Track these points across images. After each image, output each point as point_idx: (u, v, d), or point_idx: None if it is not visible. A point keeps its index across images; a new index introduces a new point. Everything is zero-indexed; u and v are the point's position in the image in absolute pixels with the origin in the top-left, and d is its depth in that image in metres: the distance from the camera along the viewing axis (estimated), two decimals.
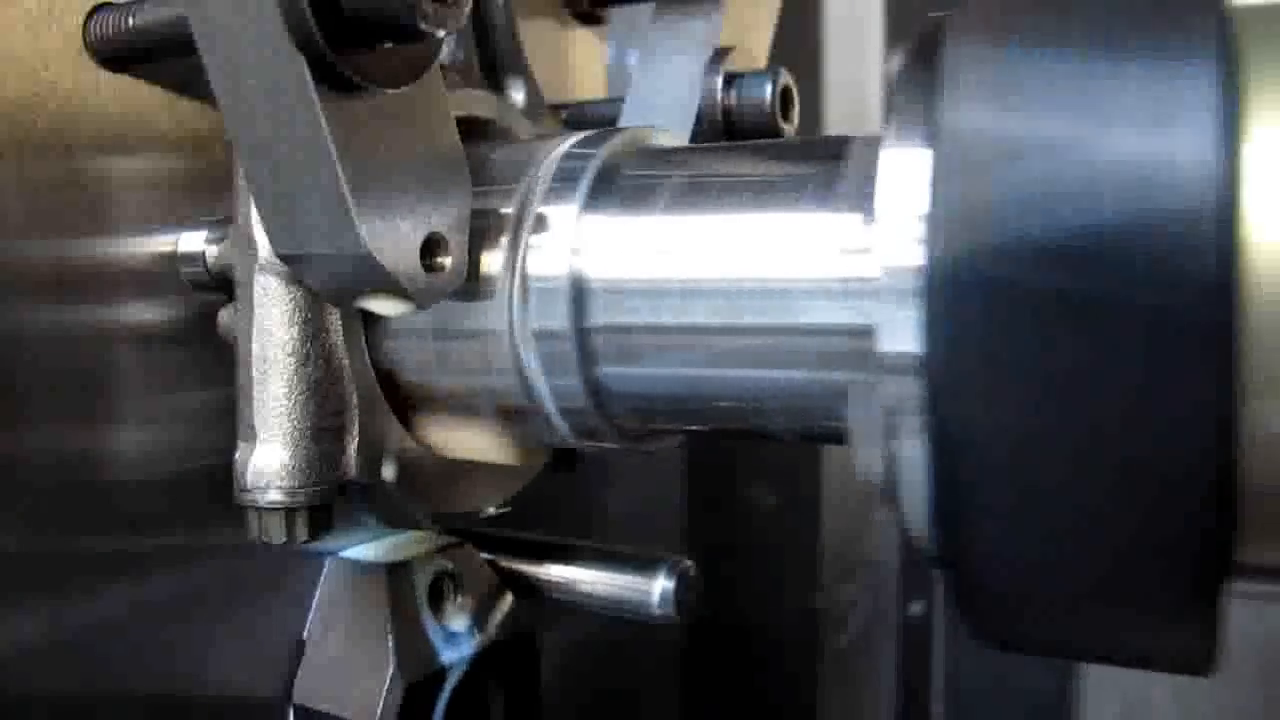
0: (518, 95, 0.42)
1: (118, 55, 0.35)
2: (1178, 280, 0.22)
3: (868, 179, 0.27)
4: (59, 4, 0.34)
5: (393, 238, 0.30)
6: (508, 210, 0.34)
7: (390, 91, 0.29)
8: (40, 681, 0.34)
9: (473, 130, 0.38)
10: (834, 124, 0.77)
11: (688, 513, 0.67)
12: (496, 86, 0.41)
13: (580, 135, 0.35)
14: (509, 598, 0.44)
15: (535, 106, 0.42)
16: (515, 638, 0.44)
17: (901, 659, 0.87)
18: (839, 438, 0.31)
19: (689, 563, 0.40)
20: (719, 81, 0.43)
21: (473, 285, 0.33)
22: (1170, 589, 0.24)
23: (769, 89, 0.43)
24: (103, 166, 0.35)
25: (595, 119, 0.46)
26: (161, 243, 0.37)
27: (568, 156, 0.34)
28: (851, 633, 0.82)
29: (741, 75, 0.43)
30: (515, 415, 0.35)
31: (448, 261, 0.32)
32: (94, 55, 0.35)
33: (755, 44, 0.47)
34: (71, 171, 0.34)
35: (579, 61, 0.53)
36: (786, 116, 0.44)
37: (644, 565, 0.40)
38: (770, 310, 0.30)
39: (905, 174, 0.26)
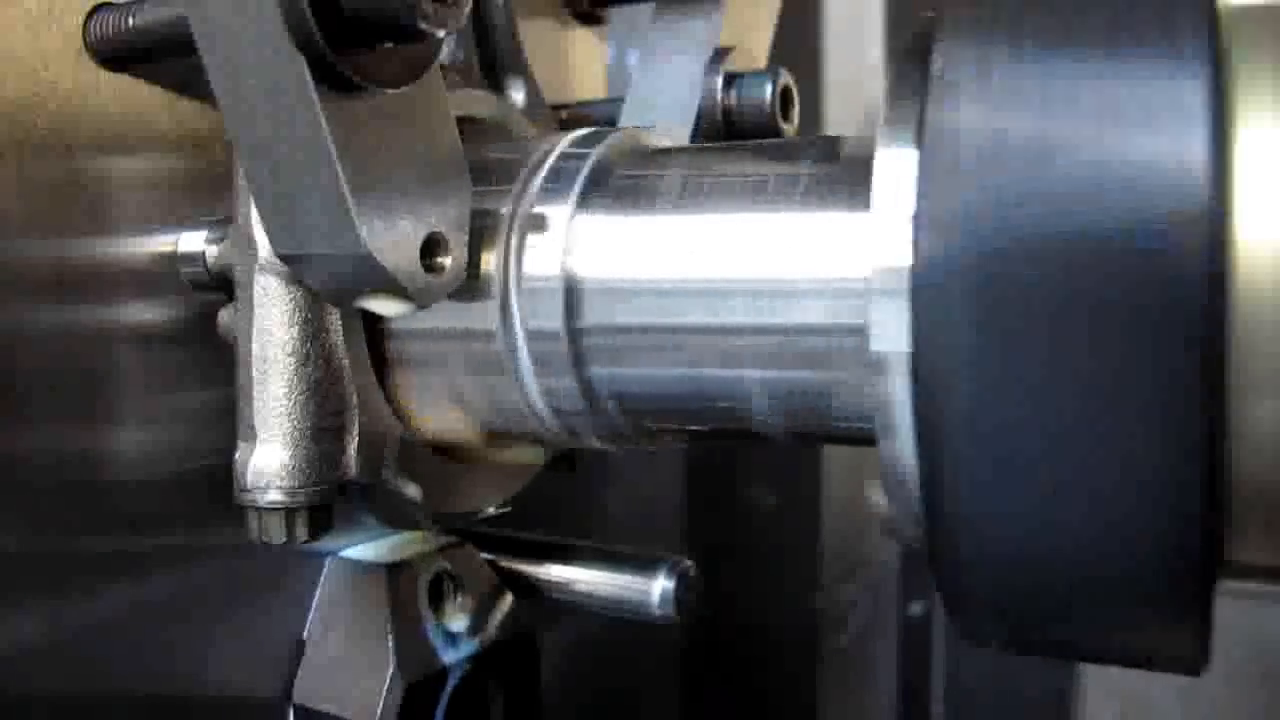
0: (518, 95, 0.42)
1: (118, 55, 0.35)
2: (1168, 279, 0.22)
3: (862, 178, 0.27)
4: (59, 4, 0.34)
5: (393, 238, 0.30)
6: (503, 210, 0.34)
7: (390, 91, 0.29)
8: (40, 681, 0.34)
9: (473, 130, 0.38)
10: (834, 124, 0.77)
11: (688, 513, 0.67)
12: (496, 86, 0.41)
13: (576, 134, 0.35)
14: (509, 598, 0.44)
15: (535, 106, 0.42)
16: (515, 638, 0.44)
17: (901, 659, 0.87)
18: (835, 438, 0.31)
19: (689, 563, 0.40)
20: (719, 81, 0.43)
21: (469, 284, 0.33)
22: (1160, 588, 0.24)
23: (769, 89, 0.43)
24: (103, 166, 0.35)
25: (595, 119, 0.46)
26: (161, 243, 0.37)
27: (562, 156, 0.34)
28: (851, 633, 0.82)
29: (741, 75, 0.43)
30: (510, 416, 0.35)
31: (448, 261, 0.32)
32: (94, 55, 0.35)
33: (755, 44, 0.47)
34: (71, 171, 0.34)
35: (579, 61, 0.53)
36: (786, 116, 0.44)
37: (644, 565, 0.40)
38: (764, 310, 0.30)
39: (896, 174, 0.26)
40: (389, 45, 0.28)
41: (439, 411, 0.37)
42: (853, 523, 0.81)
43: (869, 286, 0.26)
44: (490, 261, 0.33)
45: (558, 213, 0.33)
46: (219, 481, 0.34)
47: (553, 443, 0.37)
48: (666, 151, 0.36)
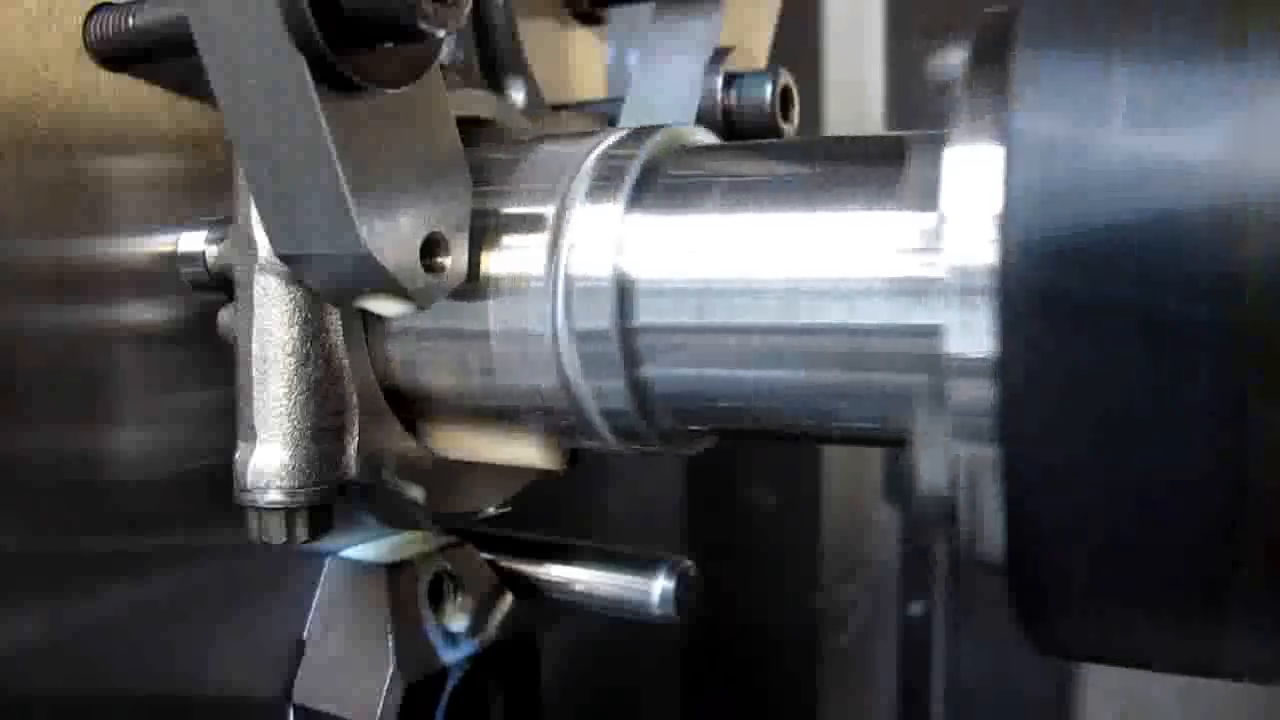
0: (518, 95, 0.42)
1: (118, 55, 0.35)
2: (1256, 294, 0.22)
3: (930, 177, 0.27)
4: (59, 4, 0.34)
5: (393, 238, 0.30)
6: (546, 210, 0.33)
7: (390, 91, 0.29)
8: (40, 681, 0.34)
9: (473, 130, 0.38)
10: (834, 124, 0.77)
11: (688, 513, 0.67)
12: (496, 86, 0.41)
13: (618, 133, 0.35)
14: (509, 598, 0.44)
15: (535, 106, 0.42)
16: (515, 638, 0.44)
17: (901, 659, 0.87)
18: (896, 441, 0.31)
19: (689, 563, 0.40)
20: (719, 81, 0.43)
21: (512, 284, 0.33)
22: (1234, 598, 0.24)
23: (769, 89, 0.43)
24: (103, 166, 0.35)
25: (595, 119, 0.46)
26: (161, 243, 0.37)
27: (608, 156, 0.34)
28: (851, 633, 0.82)
29: (741, 75, 0.43)
30: (554, 417, 0.35)
31: (448, 261, 0.32)
32: (94, 55, 0.35)
33: (755, 44, 0.47)
34: (71, 171, 0.34)
35: (579, 61, 0.53)
36: (786, 116, 0.44)
37: (644, 565, 0.40)
38: (827, 310, 0.30)
39: (975, 172, 0.25)
40: (389, 45, 0.28)
41: (458, 415, 0.36)
42: (853, 523, 0.81)
43: (946, 285, 0.25)
44: (536, 262, 0.33)
45: (608, 212, 0.33)
46: (219, 481, 0.34)
47: (595, 445, 0.36)
48: (715, 150, 0.35)
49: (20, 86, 0.33)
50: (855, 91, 0.81)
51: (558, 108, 0.46)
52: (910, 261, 0.29)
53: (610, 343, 0.32)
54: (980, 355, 0.25)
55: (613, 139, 0.35)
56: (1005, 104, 0.24)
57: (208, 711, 0.39)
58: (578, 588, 0.42)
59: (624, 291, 0.32)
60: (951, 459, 0.26)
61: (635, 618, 0.41)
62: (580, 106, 0.47)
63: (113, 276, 0.36)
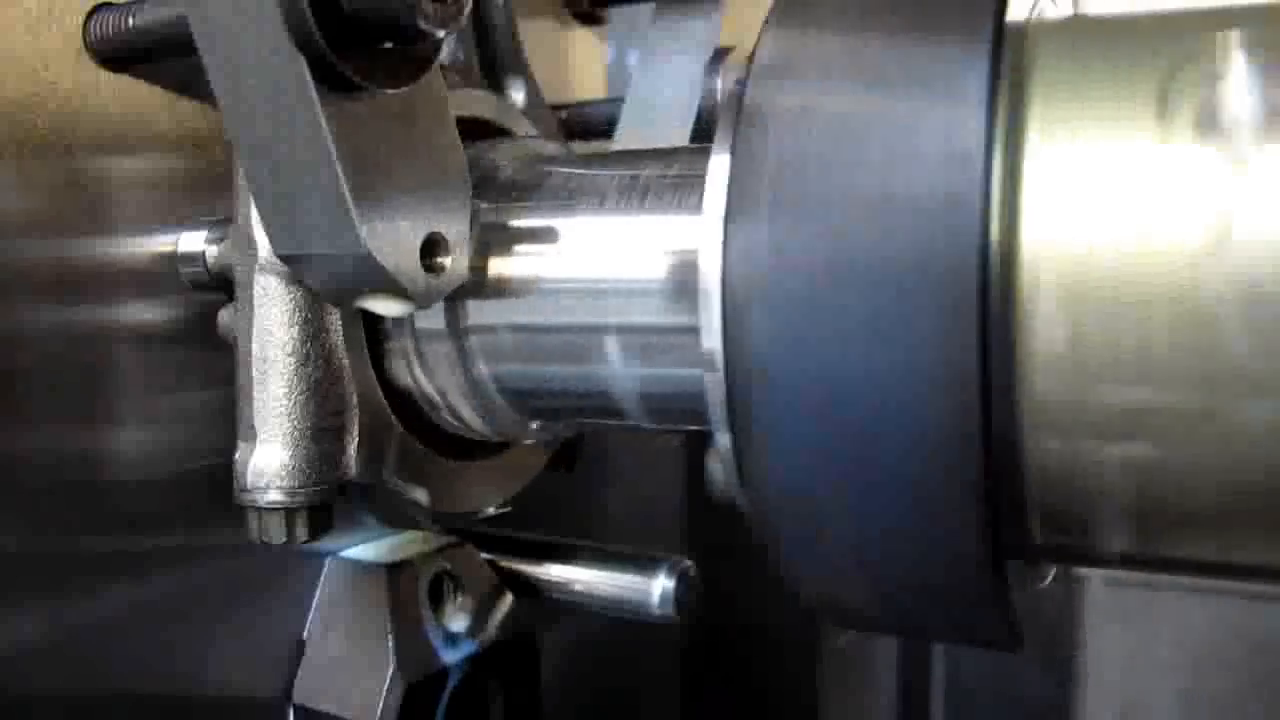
0: (518, 95, 0.42)
1: (118, 55, 0.35)
2: (945, 258, 0.23)
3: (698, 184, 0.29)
4: (59, 4, 0.34)
5: (393, 238, 0.30)
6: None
7: (390, 91, 0.29)
8: (40, 681, 0.34)
9: (473, 130, 0.38)
10: None
11: (688, 513, 0.67)
12: (496, 86, 0.41)
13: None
14: (509, 598, 0.44)
15: (535, 106, 0.42)
16: (515, 638, 0.44)
17: (901, 659, 0.87)
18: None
19: (689, 563, 0.40)
20: (719, 81, 0.43)
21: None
22: (955, 568, 0.25)
23: None
24: (103, 166, 0.35)
25: (595, 119, 0.46)
26: (161, 243, 0.37)
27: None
28: (851, 633, 0.82)
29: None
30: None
31: (448, 261, 0.32)
32: (94, 55, 0.35)
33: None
34: (71, 171, 0.34)
35: (579, 61, 0.53)
36: None
37: (644, 565, 0.40)
38: (609, 310, 0.32)
39: (717, 179, 0.27)
40: (389, 45, 0.28)
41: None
42: None
43: (699, 287, 0.27)
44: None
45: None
46: (219, 481, 0.34)
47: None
48: (552, 158, 0.37)
49: (20, 86, 0.33)
50: None
51: (557, 108, 0.46)
52: (679, 263, 0.31)
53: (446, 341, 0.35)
54: (716, 349, 0.27)
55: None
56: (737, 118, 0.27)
57: (208, 711, 0.39)
58: (578, 588, 0.42)
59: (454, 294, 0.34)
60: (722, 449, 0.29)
61: (635, 618, 0.41)
62: (580, 106, 0.47)
63: (113, 276, 0.36)
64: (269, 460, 0.33)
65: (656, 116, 0.42)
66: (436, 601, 0.42)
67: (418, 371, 0.36)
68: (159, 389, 0.37)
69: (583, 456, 0.44)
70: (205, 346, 0.37)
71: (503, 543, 0.44)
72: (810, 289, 0.25)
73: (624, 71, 0.55)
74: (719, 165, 0.27)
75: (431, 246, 0.31)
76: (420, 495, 0.37)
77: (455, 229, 0.32)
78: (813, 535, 0.27)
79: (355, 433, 0.34)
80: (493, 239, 0.34)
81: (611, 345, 0.32)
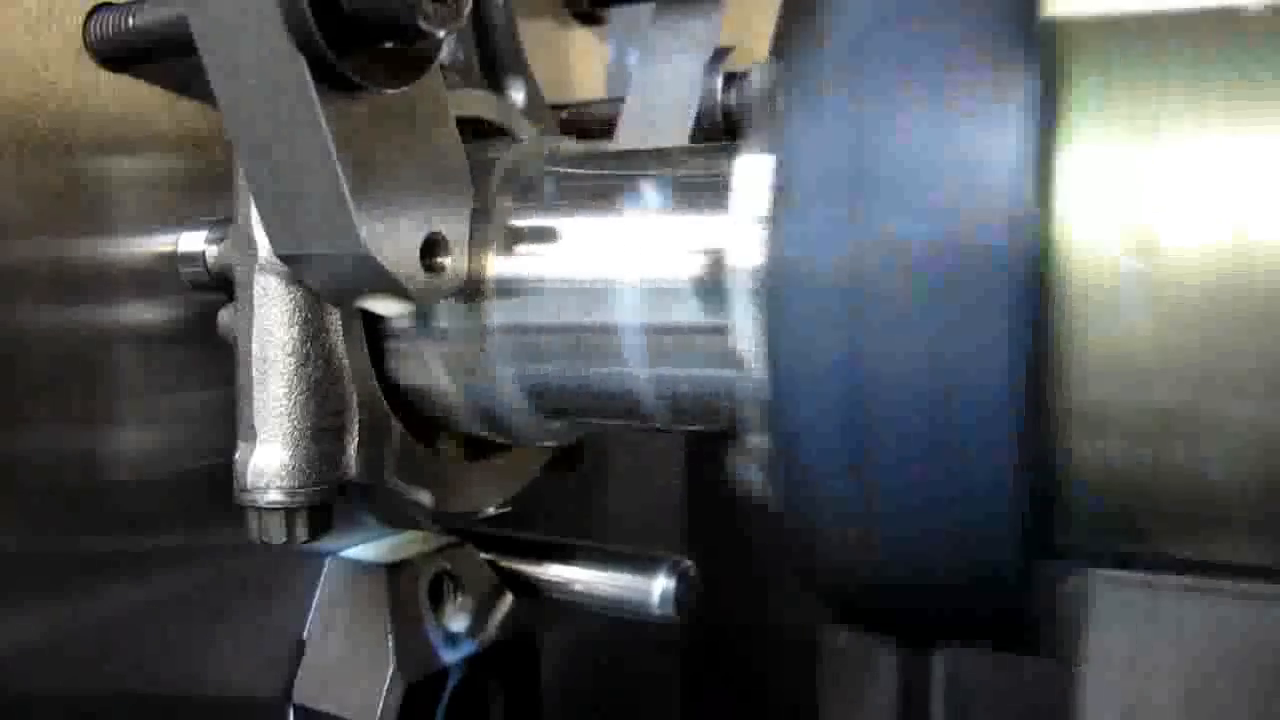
0: (518, 95, 0.42)
1: (118, 55, 0.35)
2: (995, 258, 0.23)
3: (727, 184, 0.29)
4: (59, 4, 0.34)
5: (393, 238, 0.30)
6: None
7: (390, 91, 0.29)
8: (40, 681, 0.34)
9: (473, 130, 0.38)
10: None
11: (688, 513, 0.67)
12: (496, 86, 0.41)
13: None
14: (509, 598, 0.44)
15: (535, 106, 0.42)
16: (515, 638, 0.44)
17: (901, 659, 0.87)
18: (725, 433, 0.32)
19: (689, 563, 0.40)
20: (719, 81, 0.43)
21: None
22: (984, 570, 0.26)
23: None
24: (103, 166, 0.35)
25: (595, 119, 0.46)
26: (161, 243, 0.37)
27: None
28: (851, 633, 0.82)
29: (742, 75, 0.43)
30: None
31: (448, 261, 0.32)
32: (94, 55, 0.35)
33: (755, 44, 0.47)
34: (71, 171, 0.34)
35: (579, 61, 0.53)
36: None
37: (644, 565, 0.40)
38: (641, 310, 0.31)
39: (752, 178, 0.27)
40: (389, 45, 0.28)
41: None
42: None
43: (731, 287, 0.27)
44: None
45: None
46: (219, 481, 0.34)
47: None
48: (573, 157, 0.37)
49: (20, 86, 0.33)
50: None
51: (557, 108, 0.46)
52: (708, 263, 0.30)
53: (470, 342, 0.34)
54: (754, 350, 0.26)
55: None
56: (780, 118, 0.26)
57: (208, 711, 0.39)
58: (578, 588, 0.42)
59: (479, 293, 0.34)
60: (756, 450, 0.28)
61: (635, 618, 0.41)
62: (580, 106, 0.47)
63: (113, 276, 0.36)
64: (269, 460, 0.33)
65: (656, 116, 0.42)
66: (436, 601, 0.42)
67: (433, 373, 0.36)
68: (159, 389, 0.37)
69: (583, 456, 0.44)
70: (205, 346, 0.37)
71: (503, 543, 0.44)
72: (856, 289, 0.24)
73: (624, 71, 0.55)
74: (754, 165, 0.26)
75: (431, 246, 0.31)
76: (420, 495, 0.37)
77: (455, 229, 0.32)
78: (848, 535, 0.27)
79: (355, 433, 0.34)
80: (518, 239, 0.34)
81: (636, 344, 0.32)
